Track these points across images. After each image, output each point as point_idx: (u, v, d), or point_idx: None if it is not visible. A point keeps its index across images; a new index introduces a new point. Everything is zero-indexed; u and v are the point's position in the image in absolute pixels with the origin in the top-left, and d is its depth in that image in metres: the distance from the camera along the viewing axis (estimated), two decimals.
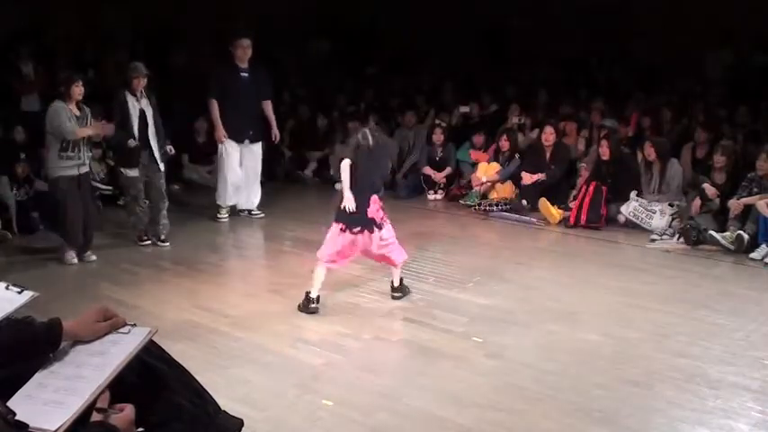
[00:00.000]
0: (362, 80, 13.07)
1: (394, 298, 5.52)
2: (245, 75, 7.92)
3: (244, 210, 8.27)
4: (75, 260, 6.51)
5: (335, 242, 5.26)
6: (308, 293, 5.28)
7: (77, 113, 6.37)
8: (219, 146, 8.08)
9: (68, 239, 6.51)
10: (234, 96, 7.84)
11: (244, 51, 7.84)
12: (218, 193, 8.20)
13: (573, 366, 4.40)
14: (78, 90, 6.34)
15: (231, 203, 8.21)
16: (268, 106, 8.15)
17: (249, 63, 7.93)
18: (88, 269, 6.45)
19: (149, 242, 7.13)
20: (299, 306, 5.31)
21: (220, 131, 7.90)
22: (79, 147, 6.37)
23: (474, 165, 9.33)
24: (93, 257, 6.64)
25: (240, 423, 2.74)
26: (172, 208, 7.45)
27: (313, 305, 5.26)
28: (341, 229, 5.23)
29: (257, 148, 8.16)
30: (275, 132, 8.23)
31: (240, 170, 8.10)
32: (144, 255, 6.90)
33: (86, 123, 6.43)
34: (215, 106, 7.87)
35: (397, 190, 9.41)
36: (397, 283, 5.54)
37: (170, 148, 7.36)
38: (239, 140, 8.02)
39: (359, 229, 5.21)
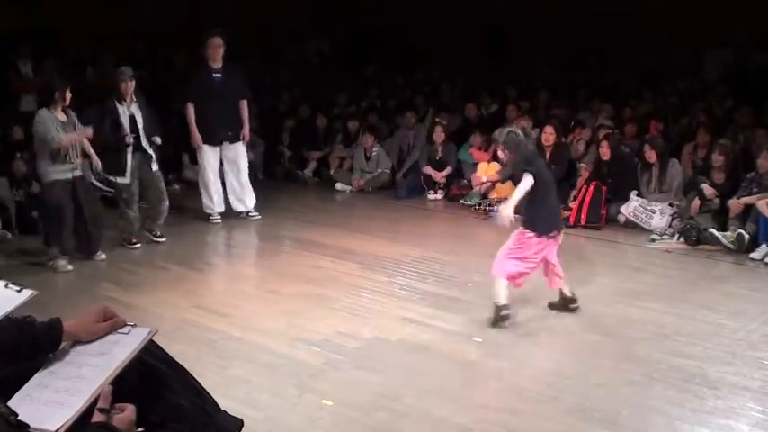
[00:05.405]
0: (363, 80, 13.07)
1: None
2: (218, 75, 7.79)
3: (241, 212, 8.15)
4: (70, 267, 6.32)
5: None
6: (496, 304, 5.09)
7: (64, 119, 6.24)
8: (198, 153, 7.97)
9: (61, 246, 6.30)
10: (207, 98, 7.71)
11: (215, 51, 7.71)
12: (204, 202, 8.04)
13: (573, 366, 4.40)
14: (69, 95, 6.25)
15: (219, 210, 8.04)
16: (243, 105, 7.97)
17: (222, 63, 7.81)
18: (88, 269, 6.43)
19: (138, 245, 7.01)
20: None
21: (196, 138, 7.75)
22: (69, 152, 6.22)
23: (475, 165, 9.32)
24: (103, 256, 6.59)
25: (240, 423, 2.74)
26: (171, 208, 7.41)
27: (505, 312, 5.04)
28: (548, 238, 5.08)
29: (238, 148, 7.98)
30: (245, 132, 8.00)
31: (220, 173, 7.98)
32: (144, 255, 6.88)
33: (74, 128, 6.30)
34: (190, 111, 7.75)
35: (397, 190, 9.42)
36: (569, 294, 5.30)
37: (157, 138, 7.13)
38: (216, 143, 7.88)
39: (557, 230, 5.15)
